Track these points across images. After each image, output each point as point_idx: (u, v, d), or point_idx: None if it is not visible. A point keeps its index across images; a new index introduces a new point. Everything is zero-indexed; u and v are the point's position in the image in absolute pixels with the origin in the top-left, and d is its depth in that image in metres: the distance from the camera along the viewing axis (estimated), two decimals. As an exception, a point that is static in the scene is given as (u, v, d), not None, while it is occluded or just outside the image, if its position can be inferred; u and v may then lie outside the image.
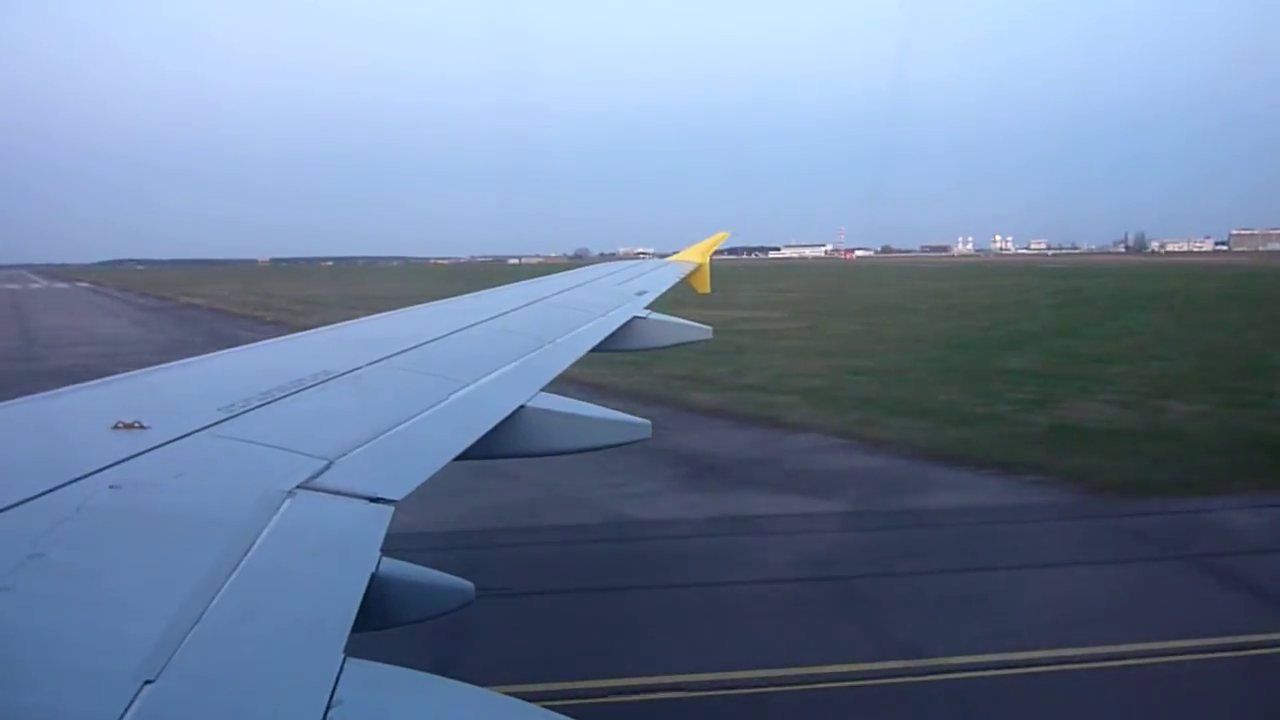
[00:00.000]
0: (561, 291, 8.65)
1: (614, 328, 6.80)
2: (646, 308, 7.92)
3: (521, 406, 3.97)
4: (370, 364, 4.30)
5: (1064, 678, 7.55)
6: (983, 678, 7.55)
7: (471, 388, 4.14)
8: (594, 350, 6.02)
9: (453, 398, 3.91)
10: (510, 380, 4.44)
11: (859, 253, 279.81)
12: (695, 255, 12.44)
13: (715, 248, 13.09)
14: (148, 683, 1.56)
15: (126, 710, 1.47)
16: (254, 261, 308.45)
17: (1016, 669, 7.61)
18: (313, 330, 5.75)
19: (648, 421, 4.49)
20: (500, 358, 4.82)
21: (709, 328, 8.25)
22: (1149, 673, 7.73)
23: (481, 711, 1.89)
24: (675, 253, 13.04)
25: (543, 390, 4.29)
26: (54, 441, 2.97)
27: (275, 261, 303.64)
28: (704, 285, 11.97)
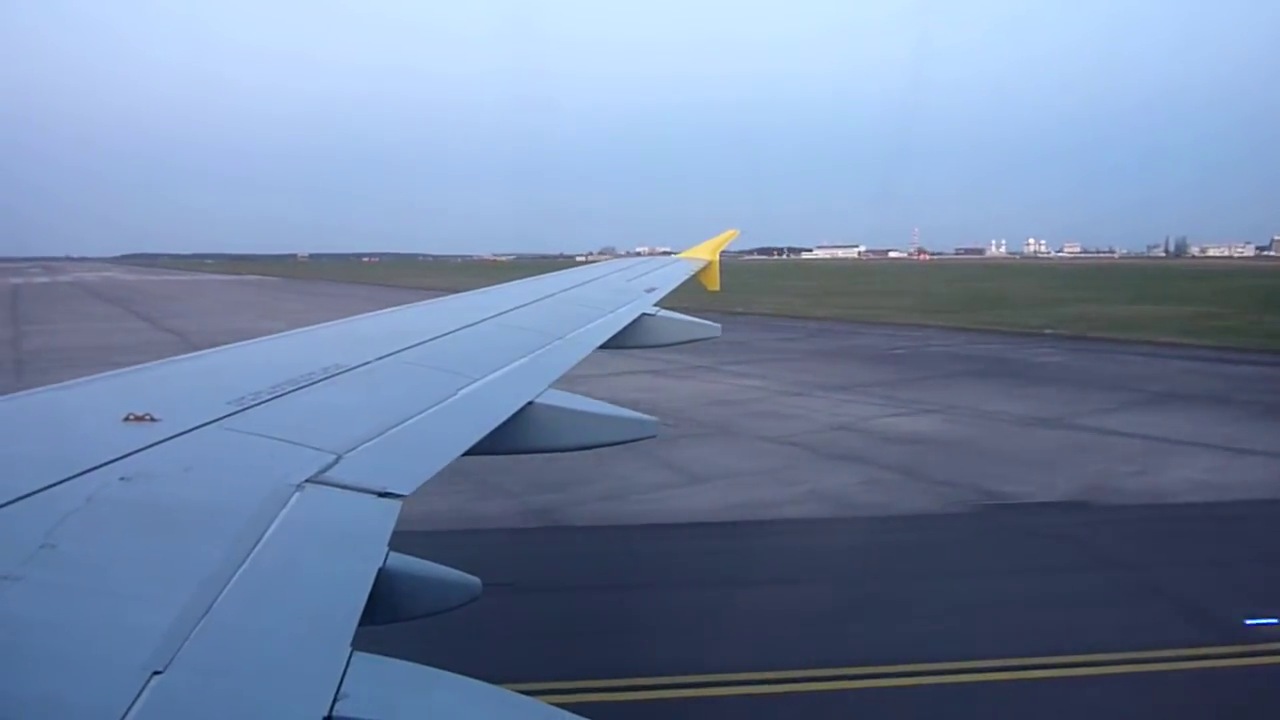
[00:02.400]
0: (570, 288, 8.65)
1: (623, 324, 6.80)
2: (655, 304, 7.91)
3: (530, 403, 3.98)
4: (379, 359, 4.31)
5: None
6: None
7: (480, 383, 4.14)
8: (602, 347, 6.03)
9: (461, 393, 3.92)
10: (519, 376, 4.45)
11: (893, 254, 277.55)
12: (704, 253, 12.44)
13: (724, 245, 13.08)
14: (156, 673, 1.57)
15: (135, 700, 1.48)
16: (293, 256, 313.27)
17: None
18: (320, 325, 5.76)
19: (654, 419, 4.51)
20: (509, 353, 4.83)
21: (718, 325, 8.24)
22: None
23: (487, 707, 1.89)
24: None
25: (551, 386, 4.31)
26: (65, 433, 2.98)
27: (314, 257, 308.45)
28: (713, 283, 11.95)
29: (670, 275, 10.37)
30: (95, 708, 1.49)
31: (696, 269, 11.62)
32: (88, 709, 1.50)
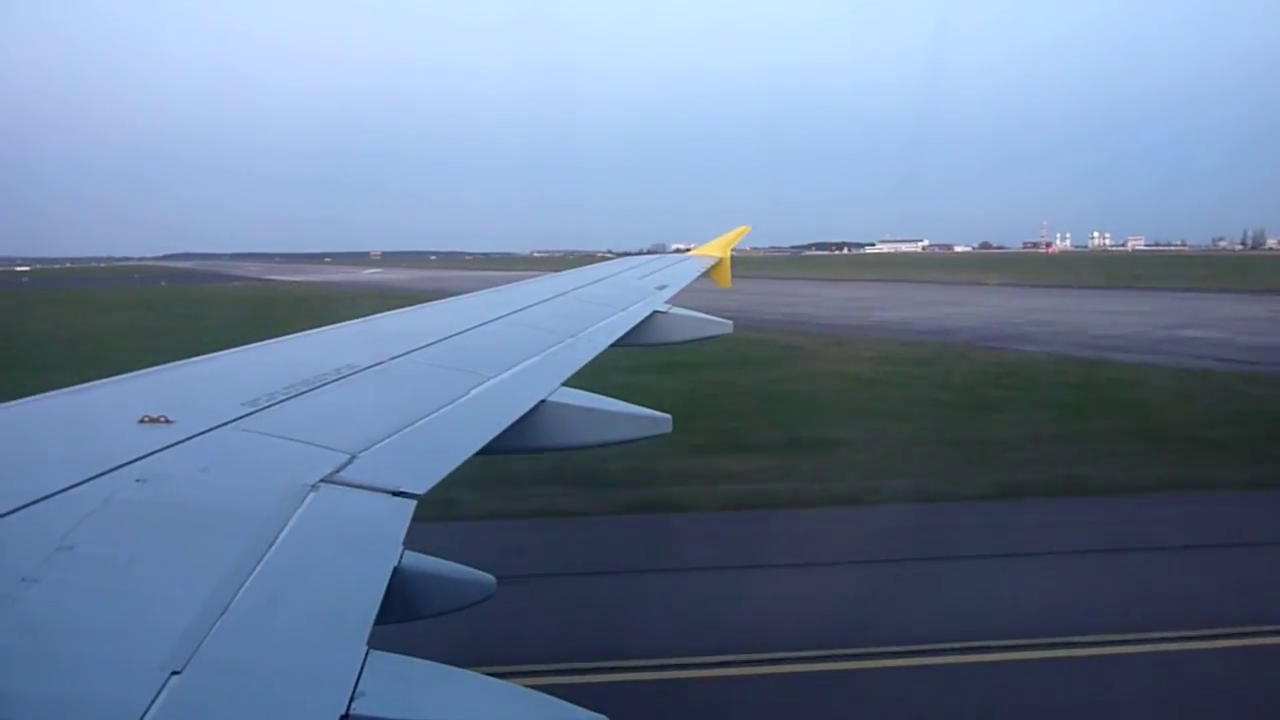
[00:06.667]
0: (583, 286, 8.66)
1: (635, 322, 6.79)
2: (667, 302, 7.91)
3: (542, 401, 3.97)
4: (393, 358, 4.32)
5: None
6: None
7: (493, 382, 4.14)
8: (614, 345, 6.02)
9: (474, 392, 3.92)
10: (532, 374, 4.44)
11: (959, 249, 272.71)
12: (716, 250, 12.43)
13: (735, 242, 13.06)
14: (174, 673, 1.57)
15: (154, 700, 1.49)
16: (366, 254, 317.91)
17: None
18: (336, 324, 5.77)
19: (668, 416, 4.46)
20: (522, 352, 4.83)
21: (730, 322, 8.23)
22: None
23: (503, 704, 1.89)
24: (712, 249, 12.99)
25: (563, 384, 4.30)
26: (81, 435, 3.00)
27: (386, 254, 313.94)
28: (725, 280, 11.93)
29: (681, 273, 10.37)
30: (114, 708, 1.49)
31: (708, 266, 11.61)
32: (106, 709, 1.50)
